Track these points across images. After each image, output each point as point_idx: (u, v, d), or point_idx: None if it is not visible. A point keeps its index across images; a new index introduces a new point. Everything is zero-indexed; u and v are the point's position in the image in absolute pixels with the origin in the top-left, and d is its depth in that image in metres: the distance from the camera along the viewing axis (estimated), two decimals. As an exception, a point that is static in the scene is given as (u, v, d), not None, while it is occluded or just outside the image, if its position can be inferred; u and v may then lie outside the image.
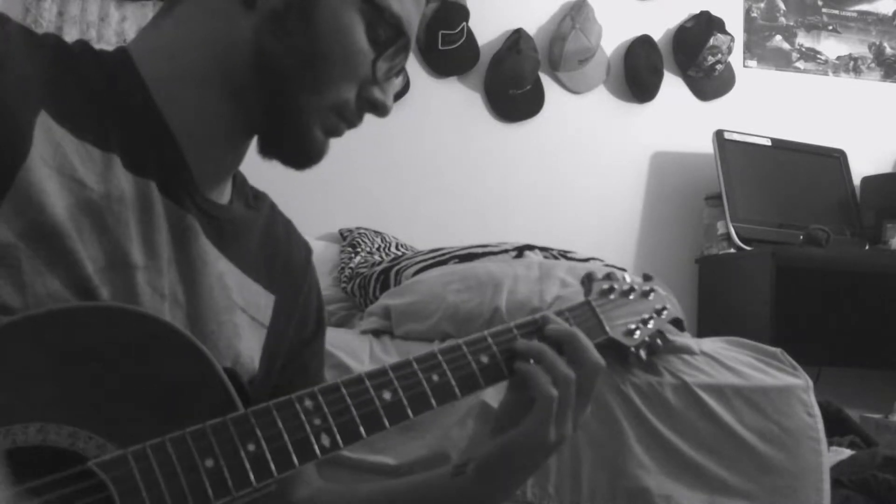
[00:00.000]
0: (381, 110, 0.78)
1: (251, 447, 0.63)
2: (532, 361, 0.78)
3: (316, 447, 0.66)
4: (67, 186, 0.66)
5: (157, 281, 0.70)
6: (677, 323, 0.98)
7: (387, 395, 0.71)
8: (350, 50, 0.74)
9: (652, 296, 0.97)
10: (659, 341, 0.94)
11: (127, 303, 0.68)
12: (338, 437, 0.67)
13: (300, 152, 0.78)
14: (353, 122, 0.78)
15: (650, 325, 0.94)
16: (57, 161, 0.66)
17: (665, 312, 0.97)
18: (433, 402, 0.74)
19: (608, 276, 0.96)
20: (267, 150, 0.78)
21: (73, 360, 0.61)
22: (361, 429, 0.68)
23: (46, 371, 0.60)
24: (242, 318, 0.79)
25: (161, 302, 0.71)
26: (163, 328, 0.66)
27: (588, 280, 0.94)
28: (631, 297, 0.95)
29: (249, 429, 0.63)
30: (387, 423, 0.70)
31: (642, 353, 0.92)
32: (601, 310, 0.91)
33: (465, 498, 0.81)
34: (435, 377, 0.74)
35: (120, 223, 0.68)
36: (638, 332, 0.92)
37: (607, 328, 0.90)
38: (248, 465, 0.62)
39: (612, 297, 0.93)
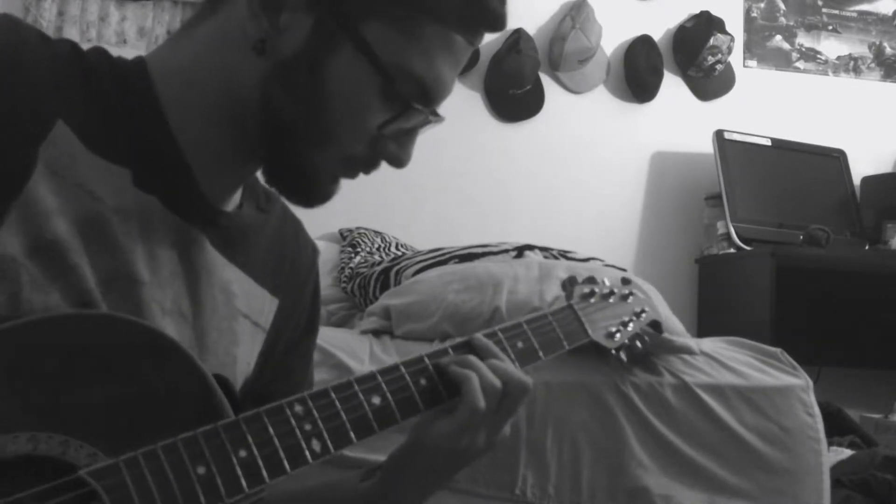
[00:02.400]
0: (395, 163, 0.76)
1: (243, 453, 0.63)
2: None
3: (307, 452, 0.66)
4: (78, 197, 0.65)
5: (159, 296, 0.70)
6: (655, 325, 1.00)
7: (376, 400, 0.71)
8: (357, 108, 0.71)
9: (631, 299, 0.99)
10: (638, 343, 0.96)
11: (132, 316, 0.67)
12: (328, 442, 0.67)
13: (304, 197, 0.77)
14: (366, 171, 0.76)
15: (630, 328, 0.96)
16: (71, 171, 0.65)
17: (644, 315, 0.99)
18: (420, 405, 0.74)
19: (589, 280, 0.97)
20: (271, 185, 0.77)
21: (64, 368, 0.61)
22: (352, 434, 0.69)
23: (36, 380, 0.59)
24: (244, 324, 0.79)
25: (163, 317, 0.70)
26: (153, 336, 0.65)
27: (570, 284, 0.96)
28: (611, 300, 0.97)
29: (241, 435, 0.63)
30: (376, 428, 0.70)
31: (622, 356, 0.94)
32: (583, 313, 0.92)
33: (365, 500, 0.80)
34: (423, 381, 0.75)
35: (128, 238, 0.68)
36: (618, 335, 0.94)
37: (589, 331, 0.91)
38: (239, 472, 0.62)
39: (592, 300, 0.95)
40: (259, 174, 0.80)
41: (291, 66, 0.70)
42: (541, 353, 0.85)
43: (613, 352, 0.93)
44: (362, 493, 0.80)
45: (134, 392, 0.63)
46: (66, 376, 0.61)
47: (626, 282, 1.02)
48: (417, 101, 0.72)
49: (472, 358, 0.76)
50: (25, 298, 0.62)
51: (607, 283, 0.99)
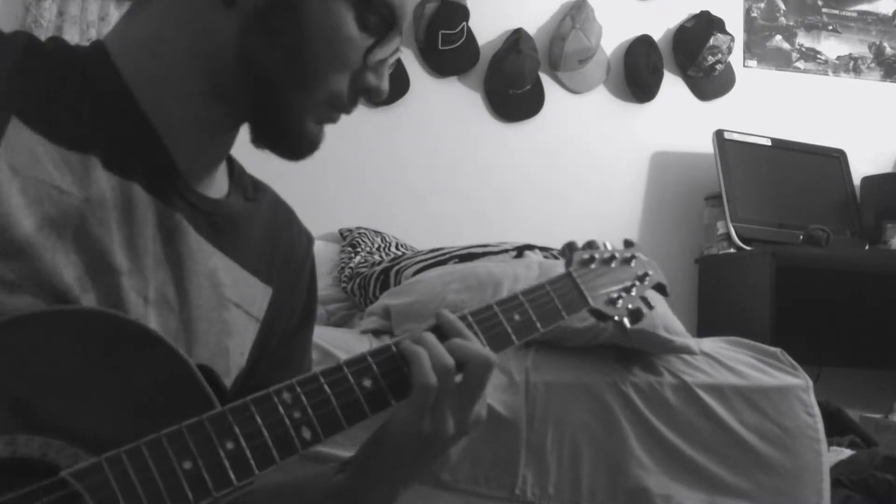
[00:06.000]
0: (376, 95, 0.76)
1: (230, 445, 0.61)
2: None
3: (297, 441, 0.64)
4: (47, 193, 0.64)
5: (141, 285, 0.69)
6: (660, 288, 0.96)
7: (367, 383, 0.68)
8: (339, 42, 0.71)
9: (634, 262, 0.95)
10: (643, 308, 0.91)
11: (111, 309, 0.66)
12: (318, 429, 0.65)
13: (294, 146, 0.76)
14: (348, 110, 0.76)
15: (633, 293, 0.91)
16: (33, 169, 0.63)
17: (648, 278, 0.95)
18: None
19: (589, 245, 0.93)
20: (259, 143, 0.76)
21: (40, 367, 0.59)
22: (342, 419, 0.66)
23: (14, 381, 0.58)
24: (236, 313, 0.78)
25: (145, 306, 0.69)
26: (134, 329, 0.64)
27: (569, 250, 0.91)
28: (612, 264, 0.92)
29: (227, 427, 0.61)
30: (368, 412, 0.68)
31: (626, 322, 0.89)
32: (582, 280, 0.88)
33: (337, 496, 0.78)
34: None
35: (102, 227, 0.66)
36: (620, 301, 0.89)
37: (589, 299, 0.87)
38: (227, 465, 0.60)
39: (593, 266, 0.90)
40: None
41: (267, 13, 0.70)
42: (539, 325, 0.81)
43: (616, 318, 0.88)
44: (335, 487, 0.78)
45: (116, 388, 0.61)
46: (45, 376, 0.59)
47: (628, 244, 0.98)
48: (392, 22, 0.73)
49: (426, 335, 0.72)
50: None
51: (609, 246, 0.94)
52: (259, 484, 0.69)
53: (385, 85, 0.76)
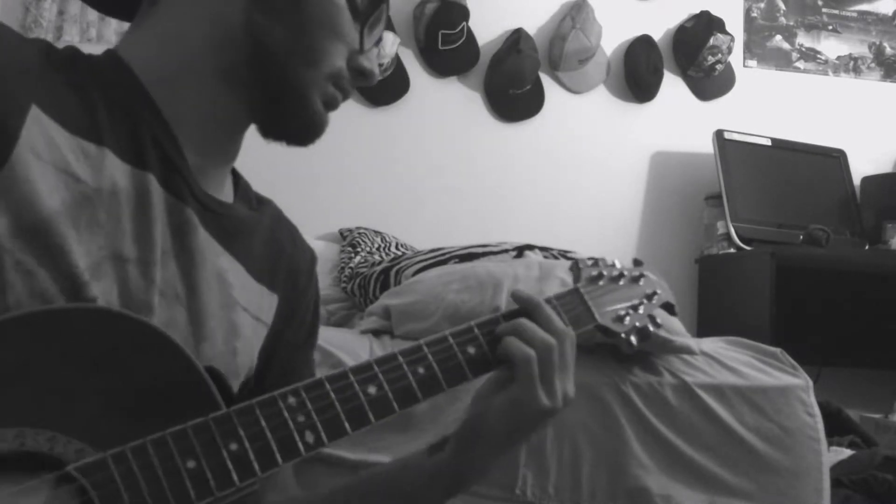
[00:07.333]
0: (369, 78, 0.80)
1: (233, 447, 0.62)
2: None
3: (300, 444, 0.65)
4: (63, 181, 0.65)
5: (150, 274, 0.70)
6: (668, 307, 0.97)
7: (372, 390, 0.70)
8: (337, 18, 0.76)
9: (642, 281, 0.96)
10: (650, 326, 0.92)
11: (120, 297, 0.67)
12: (322, 433, 0.66)
13: (305, 127, 0.78)
14: (348, 91, 0.80)
15: (640, 311, 0.92)
16: (51, 155, 0.65)
17: (656, 297, 0.96)
18: (419, 395, 0.72)
19: (597, 263, 0.94)
20: (270, 131, 0.78)
21: (51, 362, 0.60)
22: (346, 425, 0.67)
23: (23, 374, 0.59)
24: (244, 317, 0.78)
25: (153, 295, 0.70)
26: (142, 328, 0.65)
27: (577, 267, 0.93)
28: (621, 282, 0.94)
29: (232, 428, 0.62)
30: (372, 418, 0.69)
31: (633, 339, 0.90)
32: (589, 297, 0.89)
33: (440, 475, 0.79)
34: (421, 370, 0.73)
35: (111, 217, 0.68)
36: (628, 318, 0.90)
37: (596, 315, 0.88)
38: (230, 465, 0.61)
39: (601, 283, 0.92)
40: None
41: None
42: None
43: (623, 335, 0.89)
44: (434, 466, 0.79)
45: (123, 386, 0.62)
46: (54, 371, 0.60)
47: (637, 263, 1.00)
48: (378, 5, 0.79)
49: (521, 321, 0.78)
50: (9, 281, 0.61)
51: (617, 265, 0.96)
52: (340, 485, 0.74)
53: (376, 68, 0.80)
